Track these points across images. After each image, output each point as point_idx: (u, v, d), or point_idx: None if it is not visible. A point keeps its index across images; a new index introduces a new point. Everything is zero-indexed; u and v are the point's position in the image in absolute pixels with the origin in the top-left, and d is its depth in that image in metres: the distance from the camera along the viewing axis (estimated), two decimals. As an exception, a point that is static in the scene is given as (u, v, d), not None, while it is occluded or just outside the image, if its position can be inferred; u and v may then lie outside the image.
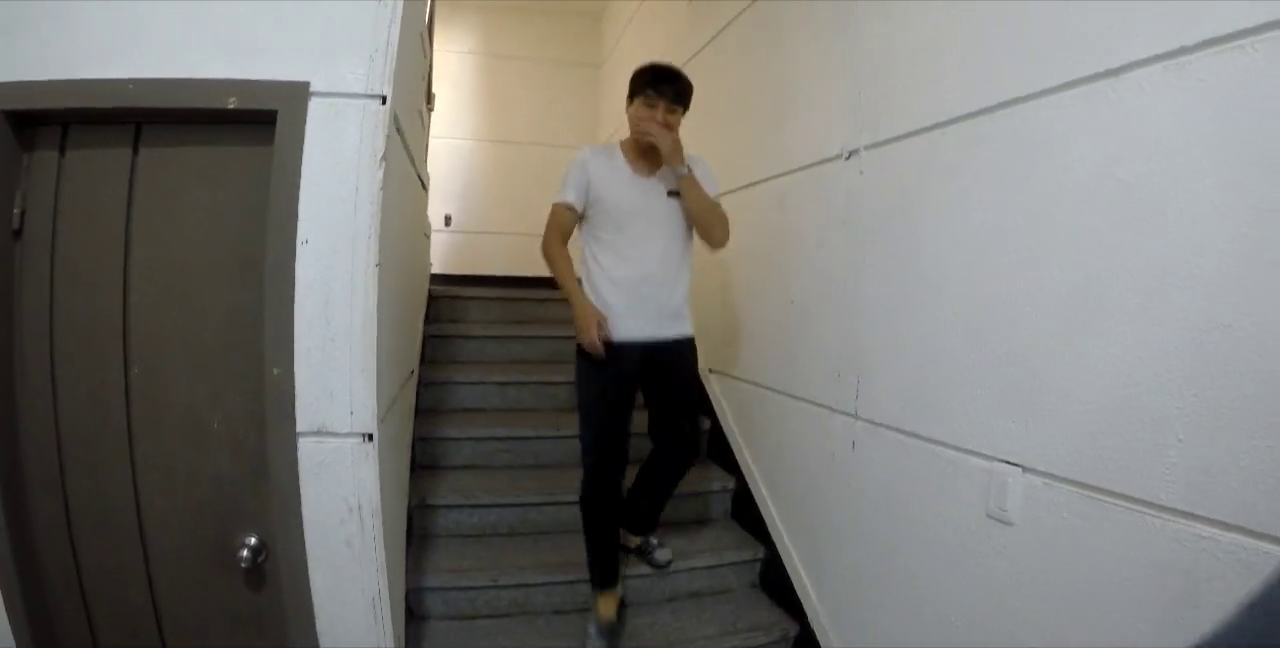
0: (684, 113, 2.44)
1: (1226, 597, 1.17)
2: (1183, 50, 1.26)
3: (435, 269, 4.94)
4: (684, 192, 2.41)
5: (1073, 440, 1.48)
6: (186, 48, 1.56)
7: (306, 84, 1.58)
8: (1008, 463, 1.64)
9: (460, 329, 3.83)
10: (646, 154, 2.45)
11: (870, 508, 2.18)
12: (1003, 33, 1.69)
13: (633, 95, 2.42)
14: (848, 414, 2.31)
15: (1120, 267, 1.39)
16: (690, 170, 2.40)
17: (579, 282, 2.45)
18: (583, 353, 2.43)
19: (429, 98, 3.64)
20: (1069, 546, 1.48)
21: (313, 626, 1.72)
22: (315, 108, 1.58)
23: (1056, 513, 1.51)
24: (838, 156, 2.38)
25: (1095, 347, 1.44)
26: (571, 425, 3.22)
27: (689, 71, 3.69)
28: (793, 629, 2.59)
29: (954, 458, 1.82)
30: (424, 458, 3.06)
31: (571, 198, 2.38)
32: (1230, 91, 1.19)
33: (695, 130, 3.75)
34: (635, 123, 2.40)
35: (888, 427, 2.10)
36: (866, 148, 2.22)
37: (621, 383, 2.46)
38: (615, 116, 5.81)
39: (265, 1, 1.58)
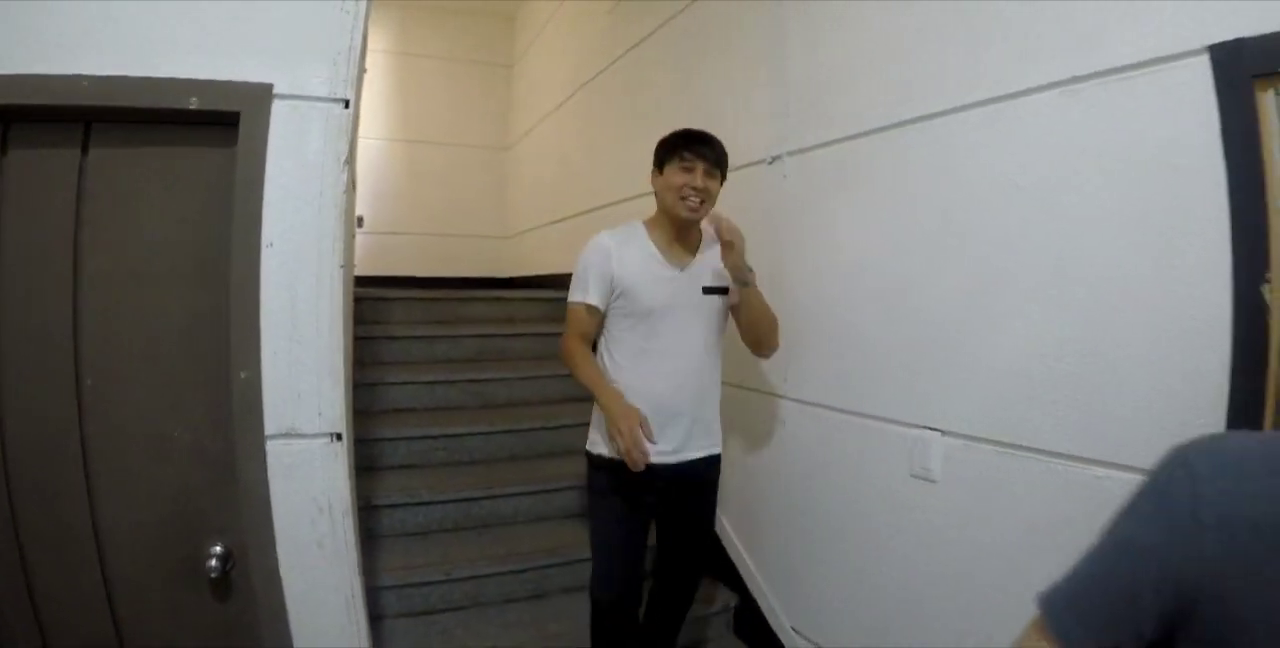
0: (722, 183, 2.07)
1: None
2: (1075, 79, 1.51)
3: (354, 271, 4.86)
4: (746, 302, 2.07)
5: (986, 405, 1.71)
6: (147, 46, 1.53)
7: (270, 86, 1.57)
8: (929, 428, 1.86)
9: (386, 330, 3.81)
10: (681, 238, 2.09)
11: (802, 480, 2.36)
12: (920, 56, 1.90)
13: (662, 163, 2.04)
14: (777, 395, 2.47)
15: (1021, 259, 1.63)
16: (753, 271, 2.06)
17: None
18: (598, 465, 2.09)
19: (355, 96, 3.61)
20: (987, 495, 1.70)
21: (287, 631, 1.70)
22: (279, 110, 1.58)
23: (975, 468, 1.73)
24: (762, 161, 2.54)
25: (1002, 325, 1.67)
26: (503, 421, 3.34)
27: (610, 76, 3.77)
28: (733, 601, 2.73)
29: (878, 428, 2.02)
30: (361, 459, 3.04)
31: (594, 298, 2.03)
32: (1115, 114, 1.44)
33: (616, 136, 3.86)
34: (673, 192, 1.99)
35: (815, 404, 2.28)
36: (790, 154, 2.40)
37: (642, 508, 2.10)
38: (526, 118, 5.84)
39: (229, 2, 1.57)
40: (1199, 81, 1.30)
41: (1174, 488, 0.73)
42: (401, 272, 5.68)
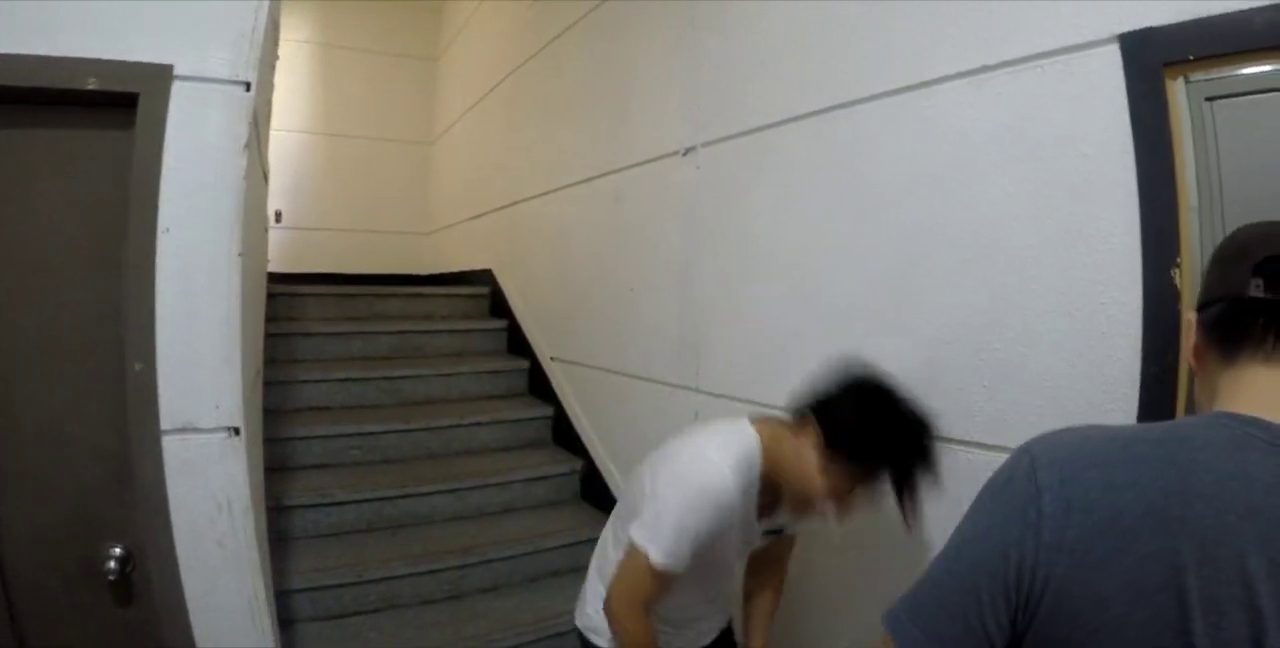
0: None
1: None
2: (985, 68, 1.53)
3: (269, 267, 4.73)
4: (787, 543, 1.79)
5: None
6: (43, 23, 1.45)
7: (170, 67, 1.52)
8: None
9: (299, 327, 3.72)
10: (778, 500, 1.56)
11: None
12: (829, 46, 1.92)
13: (873, 464, 1.36)
14: (689, 388, 2.49)
15: (932, 245, 1.65)
16: None
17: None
18: None
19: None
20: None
21: (189, 634, 1.64)
22: (179, 92, 1.53)
23: None
24: (675, 153, 2.55)
25: (911, 315, 1.70)
26: (419, 419, 3.32)
27: (528, 71, 3.75)
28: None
29: (788, 418, 2.04)
30: (273, 460, 2.96)
31: (685, 559, 1.41)
32: (1023, 102, 1.47)
33: (536, 131, 3.85)
34: (846, 503, 1.42)
35: (727, 396, 2.30)
36: (704, 145, 2.41)
37: None
38: (449, 112, 5.76)
39: (128, -21, 1.51)
40: (1109, 70, 1.33)
41: (1016, 479, 0.74)
42: (320, 269, 5.54)
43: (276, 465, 2.98)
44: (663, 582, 1.43)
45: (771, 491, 1.50)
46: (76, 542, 1.62)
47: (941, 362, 1.62)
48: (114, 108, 1.52)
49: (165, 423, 1.57)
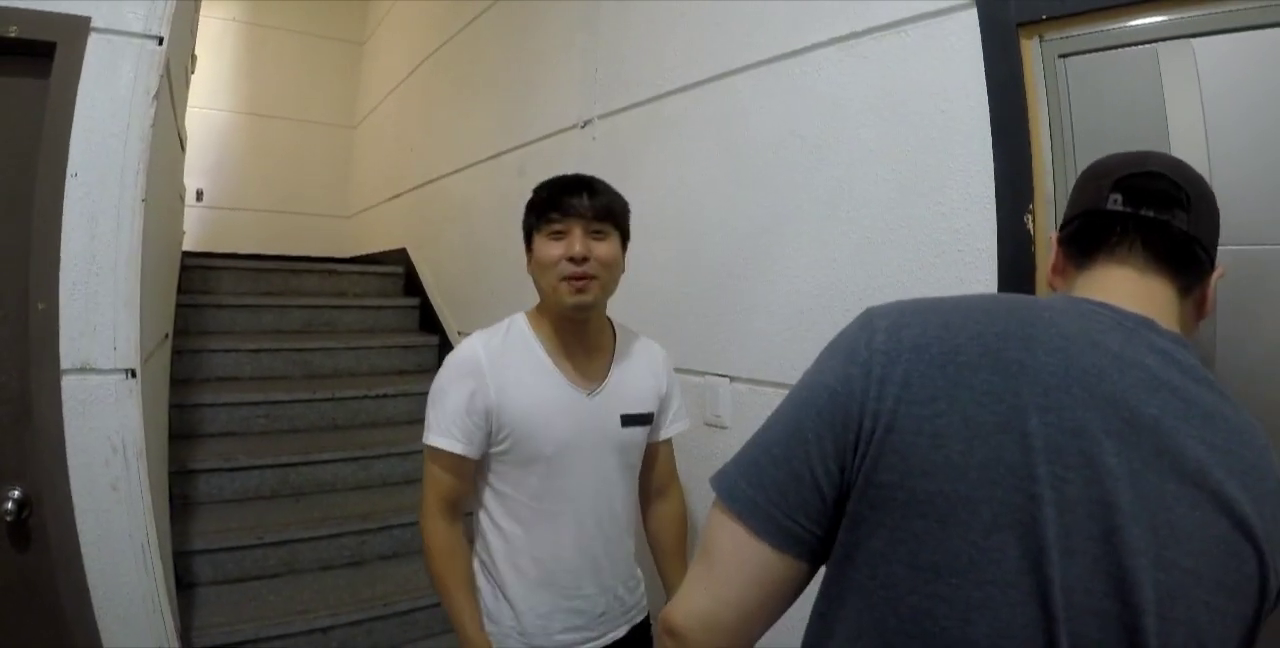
0: (624, 240, 1.48)
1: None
2: (853, 35, 1.67)
3: (187, 246, 4.67)
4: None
5: (770, 349, 1.85)
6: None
7: (88, 19, 1.58)
8: (718, 375, 1.99)
9: (212, 299, 3.73)
10: (580, 340, 1.47)
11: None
12: (712, 19, 2.05)
13: (530, 233, 1.47)
14: None
15: (799, 203, 1.79)
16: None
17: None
18: None
19: (192, 58, 3.51)
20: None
21: (83, 579, 1.65)
22: (94, 43, 1.59)
23: (761, 412, 1.85)
24: (574, 126, 2.68)
25: (782, 269, 1.82)
26: (325, 390, 3.36)
27: (445, 54, 3.78)
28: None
29: (677, 380, 2.15)
30: (181, 426, 2.98)
31: (461, 443, 1.36)
32: (887, 65, 1.60)
33: (452, 111, 3.92)
34: (548, 272, 1.40)
35: None
36: (600, 117, 2.54)
37: None
38: (373, 96, 5.78)
39: (48, -69, 1.56)
40: (967, 32, 1.42)
41: (849, 330, 0.76)
42: (240, 249, 5.46)
43: (185, 432, 3.01)
44: (458, 471, 1.40)
45: (570, 338, 1.46)
46: (-26, 487, 1.62)
47: (811, 312, 1.73)
48: (31, 56, 1.58)
49: (65, 363, 1.61)
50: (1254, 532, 0.63)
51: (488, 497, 1.46)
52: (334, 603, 2.46)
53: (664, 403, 1.58)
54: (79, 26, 1.58)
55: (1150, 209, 0.75)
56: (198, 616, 2.30)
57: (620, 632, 1.52)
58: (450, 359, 1.43)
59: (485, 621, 1.44)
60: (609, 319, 1.57)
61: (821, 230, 1.73)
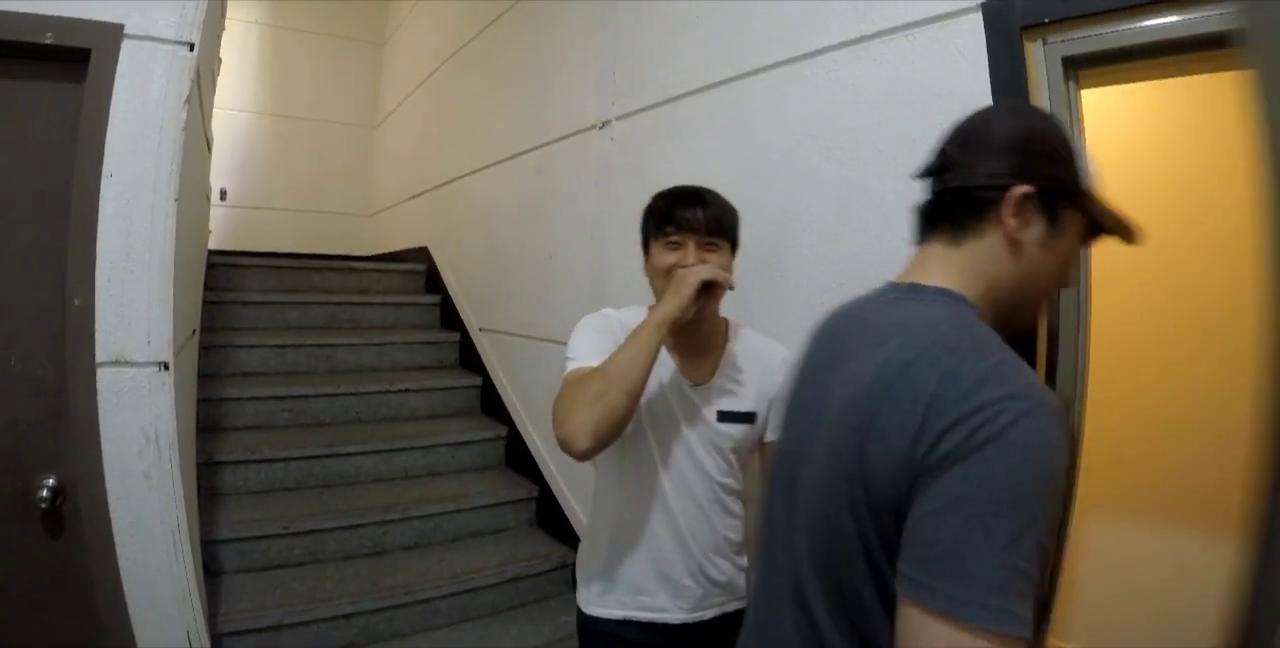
0: (734, 249, 1.53)
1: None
2: (863, 38, 1.71)
3: (212, 245, 4.75)
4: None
5: (781, 338, 1.84)
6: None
7: (121, 26, 1.65)
8: None
9: (238, 296, 3.81)
10: (690, 343, 1.54)
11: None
12: (731, 22, 2.11)
13: (646, 243, 1.55)
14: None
15: (810, 202, 1.83)
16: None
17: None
18: (592, 632, 1.57)
19: (218, 60, 3.59)
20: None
21: (115, 565, 1.71)
22: (128, 49, 1.65)
23: None
24: (592, 127, 2.73)
25: (796, 265, 1.87)
26: (348, 385, 3.41)
27: (465, 56, 3.81)
28: (569, 557, 2.88)
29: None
30: (207, 420, 3.06)
31: (598, 360, 1.38)
32: (896, 67, 1.64)
33: (472, 111, 3.97)
34: (662, 279, 1.47)
35: None
36: (618, 118, 2.59)
37: None
38: (393, 96, 5.84)
39: (82, -57, 1.62)
40: (973, 35, 1.46)
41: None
42: (264, 247, 5.54)
43: (210, 425, 3.08)
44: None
45: (681, 337, 1.51)
46: (11, 474, 1.68)
47: (822, 309, 1.72)
48: (67, 62, 1.64)
49: (100, 356, 1.67)
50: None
51: (599, 460, 1.54)
52: (355, 591, 2.51)
53: (773, 404, 1.56)
54: (113, 33, 1.65)
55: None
56: (225, 602, 2.37)
57: (708, 613, 1.54)
58: (587, 319, 1.58)
59: (579, 573, 1.62)
60: (725, 320, 1.63)
61: (832, 229, 1.77)
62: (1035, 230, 0.86)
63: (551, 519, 3.05)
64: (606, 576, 1.54)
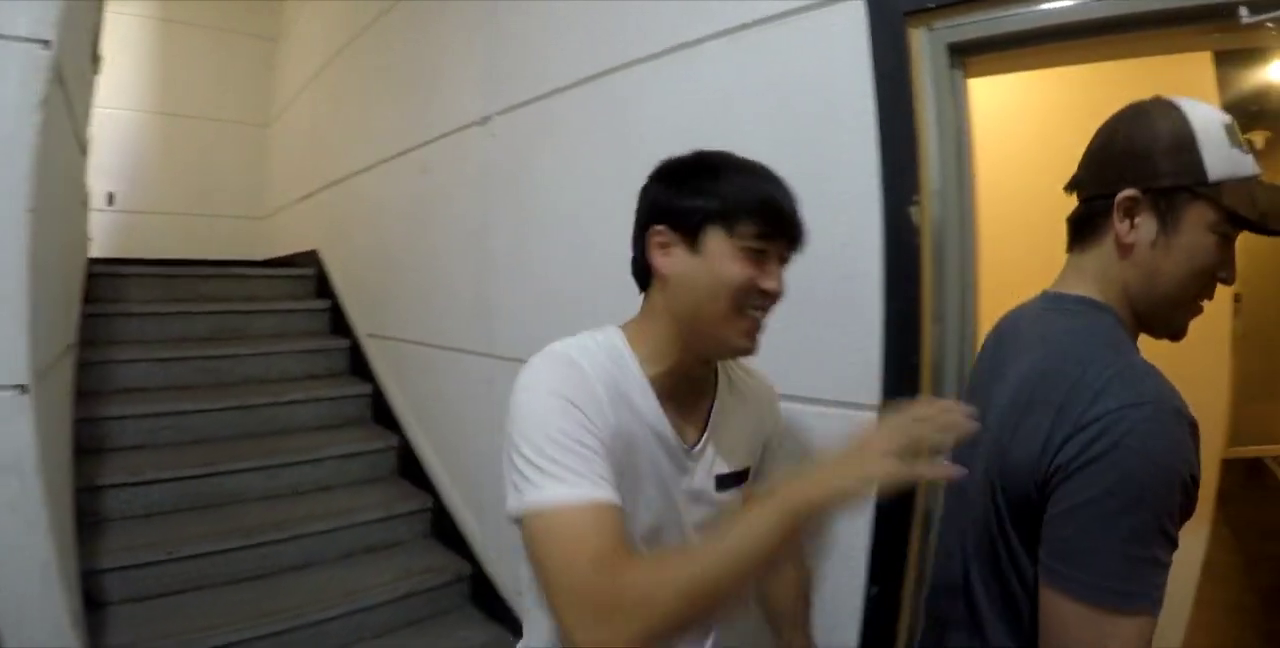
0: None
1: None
2: (743, 26, 1.68)
3: (96, 253, 4.51)
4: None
5: None
6: None
7: (-33, 23, 1.54)
8: None
9: (120, 308, 3.64)
10: (693, 383, 1.14)
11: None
12: (611, 14, 2.06)
13: (698, 226, 1.03)
14: (483, 355, 2.62)
15: None
16: None
17: None
18: None
19: (96, 58, 3.41)
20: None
21: None
22: (-25, 47, 1.55)
23: None
24: (474, 123, 2.68)
25: None
26: (233, 398, 3.31)
27: (355, 51, 3.68)
28: (466, 570, 2.85)
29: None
30: (87, 441, 2.92)
31: (605, 486, 0.87)
32: (775, 55, 1.62)
33: (361, 107, 3.86)
34: (729, 293, 1.00)
35: (519, 360, 2.42)
36: (499, 113, 2.55)
37: None
38: (286, 93, 5.63)
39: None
40: (855, 22, 1.42)
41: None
42: (154, 253, 5.27)
43: (92, 446, 2.94)
44: (610, 519, 0.85)
45: (682, 378, 1.10)
46: None
47: None
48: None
49: (-50, 380, 1.56)
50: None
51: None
52: (242, 617, 2.42)
53: (766, 451, 1.27)
54: (-42, 31, 1.54)
55: None
56: (110, 635, 2.26)
57: None
58: (545, 376, 0.98)
59: None
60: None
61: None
62: (1144, 232, 0.91)
63: (446, 531, 3.01)
64: None
